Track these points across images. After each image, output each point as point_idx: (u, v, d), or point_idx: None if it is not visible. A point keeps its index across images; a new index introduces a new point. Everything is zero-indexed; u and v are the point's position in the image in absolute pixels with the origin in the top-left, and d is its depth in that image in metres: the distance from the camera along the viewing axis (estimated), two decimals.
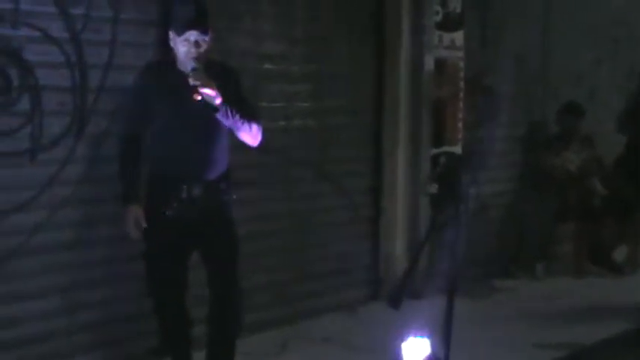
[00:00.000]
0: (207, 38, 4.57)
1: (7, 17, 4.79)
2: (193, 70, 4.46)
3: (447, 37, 7.35)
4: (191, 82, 4.44)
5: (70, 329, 5.20)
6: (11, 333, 4.95)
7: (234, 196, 4.81)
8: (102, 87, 5.24)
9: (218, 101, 4.49)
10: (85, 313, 5.27)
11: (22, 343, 4.99)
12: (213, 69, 4.60)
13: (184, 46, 4.54)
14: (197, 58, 4.50)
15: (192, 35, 4.52)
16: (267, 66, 6.25)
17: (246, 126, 4.66)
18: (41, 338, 5.07)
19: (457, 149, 7.50)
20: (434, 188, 7.29)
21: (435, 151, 7.34)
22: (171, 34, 4.62)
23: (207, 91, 4.44)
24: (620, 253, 8.44)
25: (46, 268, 5.07)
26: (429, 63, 7.17)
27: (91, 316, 5.31)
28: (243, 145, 4.87)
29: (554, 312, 6.93)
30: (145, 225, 4.64)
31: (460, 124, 7.53)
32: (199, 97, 4.46)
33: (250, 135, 4.73)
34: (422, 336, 4.93)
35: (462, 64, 7.51)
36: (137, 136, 4.75)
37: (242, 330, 4.91)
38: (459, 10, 7.43)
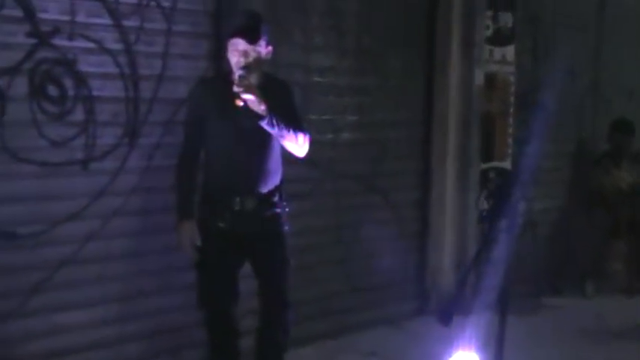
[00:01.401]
0: (257, 48, 4.55)
1: (63, 29, 4.84)
2: (240, 77, 4.48)
3: (497, 51, 7.34)
4: (235, 88, 4.46)
5: (120, 339, 5.24)
6: (62, 341, 5.00)
7: (287, 210, 4.82)
8: (154, 98, 5.29)
9: (262, 108, 4.49)
10: (135, 323, 5.30)
11: (73, 352, 5.03)
12: (266, 82, 4.61)
13: (234, 56, 4.55)
14: (246, 67, 4.50)
15: (240, 44, 4.53)
16: (316, 79, 6.26)
17: (291, 135, 4.64)
18: (92, 347, 5.11)
19: (506, 164, 7.47)
20: (483, 203, 7.28)
21: (483, 166, 7.32)
22: (226, 45, 4.64)
23: (249, 96, 4.45)
24: None
25: (98, 278, 5.11)
26: (479, 77, 7.15)
27: (142, 326, 5.34)
28: (291, 159, 4.88)
29: (604, 330, 6.86)
30: (198, 242, 4.66)
31: (510, 139, 7.51)
32: (241, 103, 4.47)
33: (296, 145, 4.72)
34: (470, 352, 4.92)
35: (512, 78, 7.49)
36: (193, 150, 4.77)
37: (290, 340, 4.91)
38: (510, 24, 7.41)
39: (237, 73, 4.50)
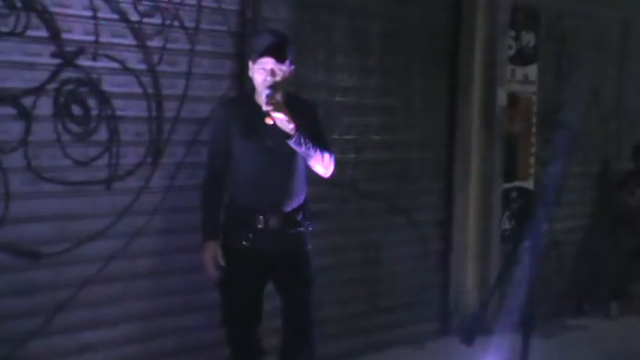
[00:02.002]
0: (283, 67, 4.55)
1: (87, 49, 4.87)
2: (268, 96, 4.47)
3: (520, 71, 7.32)
4: (264, 107, 4.44)
5: (144, 357, 5.24)
6: (87, 358, 5.00)
7: (311, 229, 4.78)
8: (177, 118, 5.30)
9: (291, 127, 4.49)
10: (158, 341, 5.30)
11: None
12: (290, 101, 4.60)
13: (260, 75, 4.54)
14: (273, 87, 4.50)
15: (268, 63, 4.52)
16: (339, 98, 6.26)
17: (318, 155, 4.63)
18: None
19: (529, 184, 7.44)
20: (506, 223, 7.24)
21: (506, 185, 7.28)
22: (250, 64, 4.63)
23: (279, 115, 4.45)
24: None
25: (121, 296, 5.13)
26: (502, 97, 7.12)
27: (165, 344, 5.34)
28: (315, 178, 4.85)
29: (629, 352, 6.78)
30: (222, 263, 4.63)
31: (532, 159, 7.47)
32: (271, 122, 4.47)
33: (322, 165, 4.70)
34: None
35: (535, 98, 7.46)
36: (219, 171, 4.74)
37: (314, 359, 4.87)
38: (532, 44, 7.39)
39: (264, 92, 4.49)
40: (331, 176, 4.86)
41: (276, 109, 4.42)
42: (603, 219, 8.21)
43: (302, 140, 4.52)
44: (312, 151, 4.60)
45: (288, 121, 4.44)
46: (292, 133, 4.47)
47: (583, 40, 7.98)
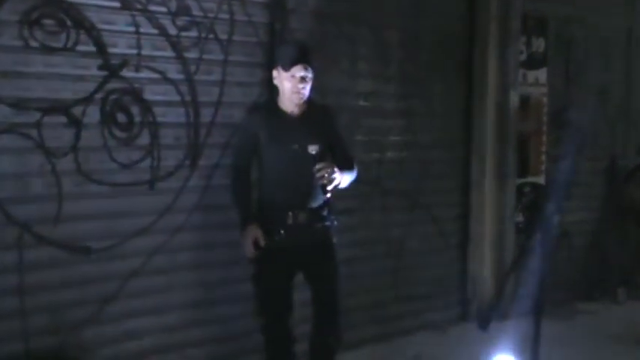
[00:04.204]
0: (310, 75, 4.60)
1: (130, 62, 4.95)
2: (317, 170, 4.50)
3: (531, 74, 7.31)
4: (317, 179, 4.50)
5: (185, 344, 5.29)
6: (134, 345, 5.08)
7: (335, 222, 4.82)
8: (213, 123, 5.34)
9: (340, 179, 4.57)
10: (198, 329, 5.36)
11: (142, 355, 5.10)
12: (311, 107, 4.66)
13: (290, 82, 4.58)
14: (301, 98, 4.58)
15: (299, 71, 4.57)
16: (362, 103, 6.27)
17: (352, 177, 4.77)
18: (160, 351, 5.18)
19: (540, 180, 7.43)
20: (520, 216, 7.24)
21: (519, 181, 7.28)
22: (276, 73, 4.66)
23: (335, 184, 4.53)
24: None
25: (164, 288, 5.19)
26: (514, 100, 7.11)
27: (205, 333, 5.39)
28: None
29: (636, 335, 6.76)
30: (263, 242, 4.62)
31: (543, 156, 7.46)
32: (330, 188, 4.52)
33: (351, 177, 4.80)
34: (508, 354, 4.89)
35: (545, 99, 7.45)
36: (245, 169, 4.80)
37: (341, 344, 4.89)
38: (542, 49, 7.38)
39: (293, 106, 4.59)
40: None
41: (329, 176, 4.50)
42: (611, 211, 8.18)
43: (344, 178, 4.64)
44: (349, 179, 4.73)
45: (338, 179, 4.55)
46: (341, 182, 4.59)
47: (589, 45, 7.94)
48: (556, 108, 7.52)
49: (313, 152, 4.50)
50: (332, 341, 4.83)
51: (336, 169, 4.53)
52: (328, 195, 4.56)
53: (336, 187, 4.56)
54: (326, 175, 4.48)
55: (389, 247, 6.53)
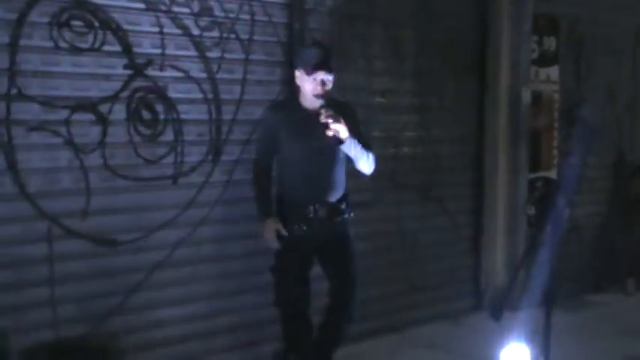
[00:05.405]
0: (331, 78, 4.62)
1: (155, 61, 4.98)
2: (322, 107, 4.51)
3: (542, 72, 7.29)
4: (322, 119, 4.49)
5: (208, 333, 5.33)
6: (158, 333, 5.12)
7: (352, 215, 4.85)
8: (234, 120, 5.37)
9: (345, 134, 4.55)
10: (220, 318, 5.39)
11: (167, 344, 5.14)
12: (331, 104, 4.66)
13: (311, 84, 4.61)
14: (322, 96, 4.57)
15: (320, 75, 4.59)
16: (378, 99, 6.27)
17: (364, 156, 4.73)
18: (183, 339, 5.22)
19: (552, 174, 7.41)
20: (531, 210, 7.23)
21: (531, 175, 7.27)
22: (298, 73, 4.68)
23: (337, 126, 4.51)
24: None
25: (188, 279, 5.22)
26: (526, 96, 7.10)
27: (226, 322, 5.42)
28: (357, 172, 4.91)
29: None
30: (285, 233, 4.67)
31: (555, 151, 7.44)
32: (331, 133, 4.51)
33: (367, 164, 4.78)
34: (520, 343, 4.89)
35: (556, 96, 7.43)
36: (266, 164, 4.84)
37: (353, 321, 4.90)
38: (553, 47, 7.36)
39: (317, 102, 4.56)
40: (372, 173, 4.93)
41: (334, 121, 4.49)
42: (619, 205, 8.16)
43: (352, 145, 4.60)
44: (360, 154, 4.69)
45: (344, 130, 4.52)
46: (345, 139, 4.55)
47: (599, 43, 7.91)
48: (567, 104, 7.50)
49: (332, 148, 4.51)
50: (343, 325, 4.86)
51: (341, 120, 4.51)
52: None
53: (337, 132, 4.52)
54: (331, 120, 4.48)
55: (403, 240, 6.54)
